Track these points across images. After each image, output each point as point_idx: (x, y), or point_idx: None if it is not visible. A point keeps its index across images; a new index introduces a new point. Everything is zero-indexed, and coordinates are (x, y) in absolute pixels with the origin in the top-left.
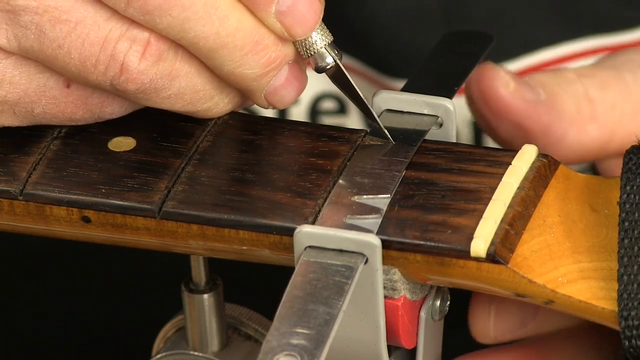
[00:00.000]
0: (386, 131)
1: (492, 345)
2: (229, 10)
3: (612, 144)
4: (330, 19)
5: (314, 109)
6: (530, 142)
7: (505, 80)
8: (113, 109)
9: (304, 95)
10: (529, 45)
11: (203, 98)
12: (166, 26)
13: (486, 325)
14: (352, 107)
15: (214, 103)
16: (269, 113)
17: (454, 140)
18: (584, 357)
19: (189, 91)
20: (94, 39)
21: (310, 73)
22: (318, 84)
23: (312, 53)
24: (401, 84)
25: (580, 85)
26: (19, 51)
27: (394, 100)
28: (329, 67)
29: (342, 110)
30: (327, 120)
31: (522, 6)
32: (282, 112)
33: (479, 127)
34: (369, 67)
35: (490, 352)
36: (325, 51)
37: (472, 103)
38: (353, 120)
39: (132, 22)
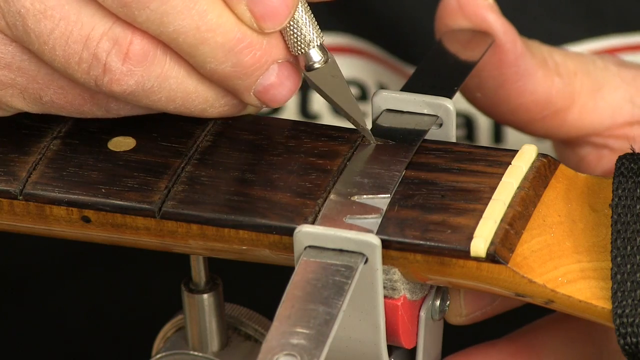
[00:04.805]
0: (371, 134)
1: (483, 341)
2: (209, 5)
3: (570, 115)
4: (355, 6)
5: None
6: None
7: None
8: (119, 106)
9: None
10: (551, 42)
11: (196, 100)
12: (145, 19)
13: (458, 305)
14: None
15: (209, 104)
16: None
17: (454, 140)
18: (574, 347)
19: (180, 93)
20: (77, 37)
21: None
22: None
23: (301, 52)
24: None
25: (545, 47)
26: (15, 40)
27: (394, 100)
28: (316, 67)
29: (363, 96)
30: None
31: (544, 3)
32: (304, 102)
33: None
34: (390, 54)
35: (482, 348)
36: (316, 51)
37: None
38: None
39: (117, 19)
